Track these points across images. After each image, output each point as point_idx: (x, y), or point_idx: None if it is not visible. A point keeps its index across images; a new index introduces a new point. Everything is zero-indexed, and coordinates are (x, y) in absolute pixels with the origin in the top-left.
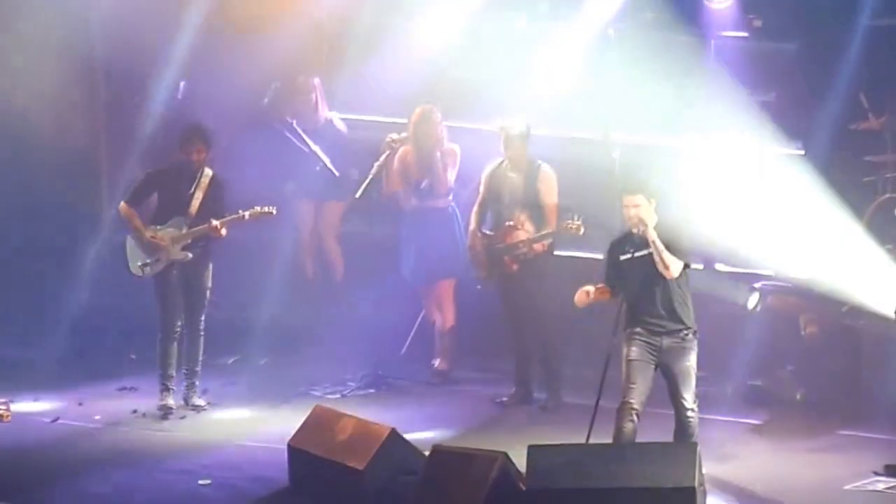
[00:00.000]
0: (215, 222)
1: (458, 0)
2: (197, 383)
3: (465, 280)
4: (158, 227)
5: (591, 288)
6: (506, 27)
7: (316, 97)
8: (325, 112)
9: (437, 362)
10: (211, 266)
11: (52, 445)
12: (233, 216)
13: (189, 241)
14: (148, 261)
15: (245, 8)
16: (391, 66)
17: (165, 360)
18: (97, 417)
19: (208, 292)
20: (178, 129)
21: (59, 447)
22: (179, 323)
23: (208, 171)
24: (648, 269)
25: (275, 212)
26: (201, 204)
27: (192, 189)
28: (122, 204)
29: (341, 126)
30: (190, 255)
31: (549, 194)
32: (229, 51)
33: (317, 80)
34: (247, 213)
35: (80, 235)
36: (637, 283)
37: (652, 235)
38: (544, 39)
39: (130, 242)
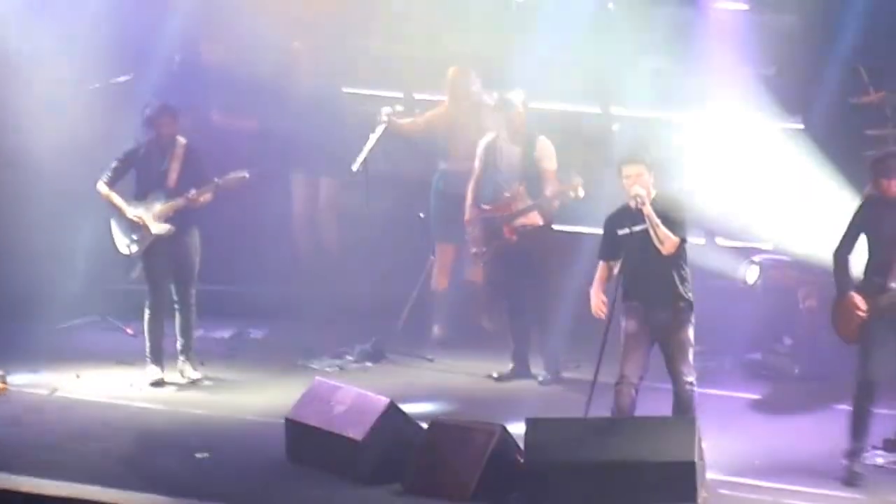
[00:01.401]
0: (192, 192)
1: None
2: (192, 356)
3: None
4: (138, 203)
5: (599, 293)
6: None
7: (312, 63)
8: (319, 78)
9: (436, 329)
10: (198, 237)
11: (49, 418)
12: (207, 185)
13: (171, 214)
14: (134, 237)
15: None
16: (388, 39)
17: (155, 333)
18: (94, 390)
19: (197, 264)
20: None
21: (57, 420)
22: (169, 297)
23: (181, 140)
24: (647, 244)
25: (248, 175)
26: (179, 175)
27: (167, 162)
28: (100, 184)
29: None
30: (173, 228)
31: (548, 162)
32: (225, 24)
33: (311, 46)
34: (220, 180)
35: (77, 210)
36: (635, 257)
37: (648, 210)
38: (543, 12)
39: (115, 222)
